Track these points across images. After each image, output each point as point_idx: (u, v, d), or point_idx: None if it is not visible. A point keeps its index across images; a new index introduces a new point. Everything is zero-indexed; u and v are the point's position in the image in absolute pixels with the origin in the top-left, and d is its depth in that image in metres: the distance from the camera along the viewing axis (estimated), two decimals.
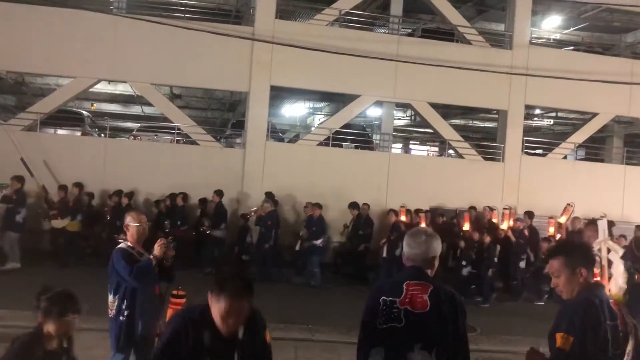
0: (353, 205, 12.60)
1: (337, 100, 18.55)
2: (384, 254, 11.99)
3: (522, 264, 11.53)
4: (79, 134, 15.86)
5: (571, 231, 12.20)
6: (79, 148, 13.92)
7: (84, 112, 18.12)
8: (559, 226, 12.17)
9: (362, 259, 12.58)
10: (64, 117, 15.53)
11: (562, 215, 12.73)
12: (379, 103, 16.56)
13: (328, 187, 13.69)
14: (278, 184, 13.49)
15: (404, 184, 14.25)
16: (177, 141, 15.03)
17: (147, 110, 21.30)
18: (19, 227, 11.20)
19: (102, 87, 17.95)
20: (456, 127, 16.91)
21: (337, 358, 7.22)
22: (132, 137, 16.58)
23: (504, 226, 12.19)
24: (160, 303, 4.61)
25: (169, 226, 11.42)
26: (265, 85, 14.13)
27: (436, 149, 24.71)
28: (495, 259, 11.40)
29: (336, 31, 14.84)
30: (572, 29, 19.01)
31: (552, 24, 18.62)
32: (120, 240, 4.65)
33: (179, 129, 14.61)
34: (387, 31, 16.71)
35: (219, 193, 12.57)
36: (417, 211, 12.84)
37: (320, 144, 14.74)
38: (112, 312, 4.50)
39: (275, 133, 17.03)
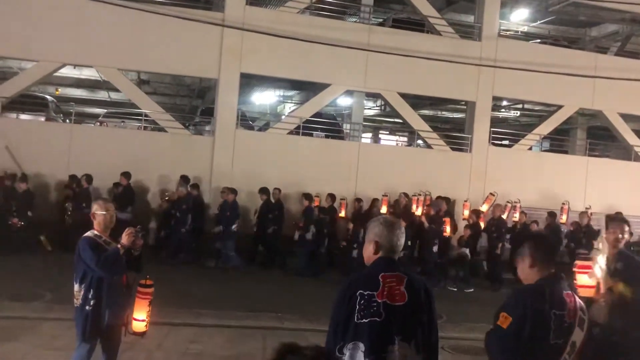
0: (262, 191, 12.48)
1: (307, 88, 18.48)
2: (296, 238, 12.18)
3: (435, 249, 11.75)
4: (43, 119, 15.45)
5: (491, 218, 12.74)
6: (43, 134, 13.56)
7: (48, 97, 17.64)
8: (479, 214, 12.52)
9: (274, 242, 12.51)
10: (27, 102, 15.10)
11: (484, 203, 13.25)
12: (349, 92, 16.60)
13: (298, 176, 13.70)
14: (248, 172, 13.43)
15: (373, 174, 14.33)
16: (145, 128, 14.79)
17: (114, 96, 20.87)
18: None
19: (67, 72, 17.48)
20: (425, 118, 17.07)
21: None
22: (99, 124, 16.24)
23: (418, 212, 12.40)
24: (127, 293, 4.53)
25: (70, 208, 11.54)
26: (235, 73, 13.99)
27: (405, 139, 24.91)
28: (409, 243, 11.55)
29: (307, 19, 14.79)
30: (539, 22, 19.32)
31: (520, 16, 18.89)
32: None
33: (146, 116, 14.36)
34: (358, 20, 16.73)
35: (127, 175, 12.30)
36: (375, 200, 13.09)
37: (291, 132, 14.70)
38: (78, 302, 4.41)
39: (245, 121, 16.90)
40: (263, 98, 23.02)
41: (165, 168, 13.02)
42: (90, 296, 4.35)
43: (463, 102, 17.35)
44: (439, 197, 12.90)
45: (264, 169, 13.64)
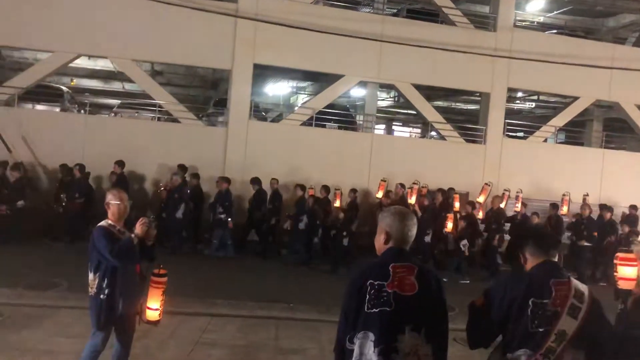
0: (253, 181, 12.50)
1: (321, 79, 18.43)
2: (287, 227, 12.28)
3: (427, 239, 11.78)
4: (58, 109, 15.59)
5: (490, 209, 12.71)
6: (59, 124, 13.70)
7: (63, 87, 17.79)
8: (474, 205, 12.42)
9: (271, 233, 12.63)
10: (42, 93, 15.23)
11: (480, 194, 13.15)
12: (362, 83, 16.53)
13: (310, 167, 13.71)
14: (260, 163, 13.44)
15: (386, 165, 14.28)
16: (159, 119, 14.87)
17: (128, 86, 20.97)
18: None
19: (82, 62, 17.59)
20: (439, 109, 16.95)
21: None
22: (113, 114, 16.34)
23: (412, 200, 12.35)
24: (141, 282, 4.59)
25: (65, 199, 11.58)
26: (248, 63, 13.99)
27: (419, 130, 24.78)
28: None
29: (321, 9, 14.73)
30: (555, 12, 19.08)
31: (535, 7, 18.66)
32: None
33: (160, 107, 14.43)
34: (371, 11, 16.62)
35: (120, 164, 12.18)
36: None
37: (304, 124, 14.69)
38: (92, 291, 4.47)
39: (258, 112, 16.91)
40: (276, 89, 23.02)
41: (178, 158, 13.06)
42: (104, 285, 4.41)
43: (477, 94, 17.20)
44: (440, 190, 12.90)
45: (277, 160, 13.67)
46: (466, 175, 14.49)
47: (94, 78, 21.49)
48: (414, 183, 12.86)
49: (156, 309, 4.50)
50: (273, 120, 17.75)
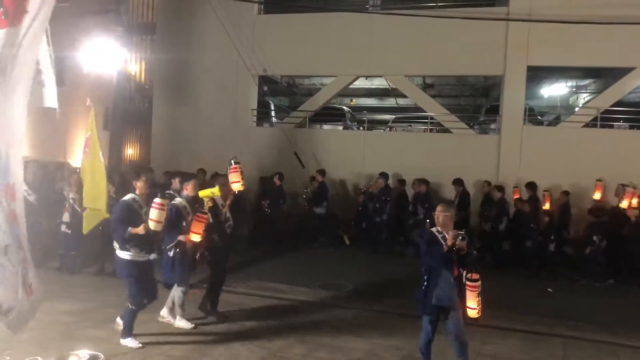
0: (456, 182, 12.44)
1: (605, 75, 16.58)
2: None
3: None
4: (341, 128, 17.16)
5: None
6: (342, 141, 15.09)
7: (344, 107, 19.51)
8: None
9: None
10: (328, 113, 16.96)
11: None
12: None
13: (596, 172, 12.39)
14: (537, 170, 12.71)
15: None
16: (431, 130, 15.23)
17: (401, 101, 21.95)
18: None
19: (359, 83, 19.06)
20: None
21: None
22: (388, 129, 17.30)
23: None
24: (457, 283, 5.32)
25: (267, 205, 12.67)
26: (521, 67, 13.43)
27: None
28: None
29: None
30: None
31: None
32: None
33: (432, 118, 14.78)
34: None
35: (322, 173, 13.08)
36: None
37: (586, 125, 13.41)
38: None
39: (533, 116, 16.01)
40: (552, 90, 21.47)
41: (451, 168, 13.16)
42: (424, 279, 5.39)
43: None
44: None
45: (556, 165, 12.75)
46: None
47: (370, 96, 23.04)
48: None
49: (474, 308, 5.23)
50: (550, 124, 16.60)
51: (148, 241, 6.18)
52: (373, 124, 19.33)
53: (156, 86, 16.76)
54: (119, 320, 6.36)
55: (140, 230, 5.94)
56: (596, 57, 13.25)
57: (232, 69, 15.03)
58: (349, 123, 17.96)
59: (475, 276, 5.18)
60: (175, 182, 7.37)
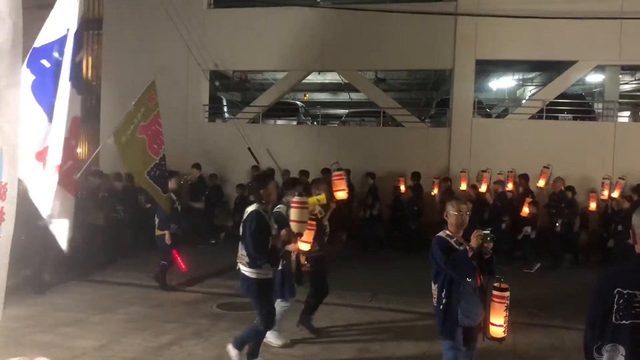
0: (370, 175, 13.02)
1: (549, 68, 17.14)
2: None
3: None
4: (294, 123, 17.14)
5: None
6: (296, 136, 15.06)
7: (298, 102, 19.50)
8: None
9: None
10: (281, 109, 16.91)
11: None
12: (600, 68, 14.93)
13: (543, 162, 12.78)
14: (485, 161, 13.02)
15: (634, 156, 12.68)
16: (384, 124, 15.38)
17: (354, 96, 22.12)
18: None
19: (312, 78, 19.09)
20: None
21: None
22: (342, 123, 17.40)
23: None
24: (481, 295, 4.46)
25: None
26: (470, 60, 13.70)
27: None
28: None
29: None
30: None
31: None
32: None
33: (384, 112, 14.93)
34: None
35: (197, 167, 13.16)
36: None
37: (533, 117, 13.83)
38: (434, 300, 4.51)
39: (482, 109, 16.40)
40: (500, 84, 22.05)
41: (404, 162, 13.34)
42: (443, 295, 4.39)
43: None
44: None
45: (503, 156, 13.10)
46: None
47: (324, 91, 23.12)
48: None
49: (500, 325, 4.30)
50: (498, 116, 17.05)
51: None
52: (327, 119, 19.41)
53: (104, 82, 16.31)
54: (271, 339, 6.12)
55: (284, 235, 5.41)
56: (541, 51, 13.65)
57: (182, 64, 14.77)
58: (303, 118, 17.97)
59: (504, 285, 4.28)
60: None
